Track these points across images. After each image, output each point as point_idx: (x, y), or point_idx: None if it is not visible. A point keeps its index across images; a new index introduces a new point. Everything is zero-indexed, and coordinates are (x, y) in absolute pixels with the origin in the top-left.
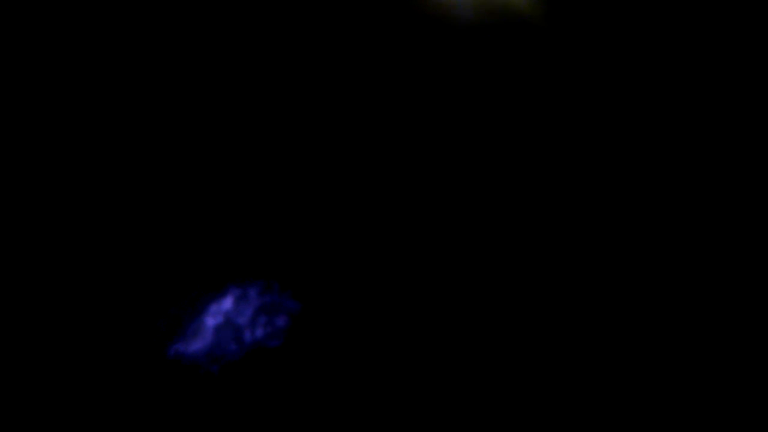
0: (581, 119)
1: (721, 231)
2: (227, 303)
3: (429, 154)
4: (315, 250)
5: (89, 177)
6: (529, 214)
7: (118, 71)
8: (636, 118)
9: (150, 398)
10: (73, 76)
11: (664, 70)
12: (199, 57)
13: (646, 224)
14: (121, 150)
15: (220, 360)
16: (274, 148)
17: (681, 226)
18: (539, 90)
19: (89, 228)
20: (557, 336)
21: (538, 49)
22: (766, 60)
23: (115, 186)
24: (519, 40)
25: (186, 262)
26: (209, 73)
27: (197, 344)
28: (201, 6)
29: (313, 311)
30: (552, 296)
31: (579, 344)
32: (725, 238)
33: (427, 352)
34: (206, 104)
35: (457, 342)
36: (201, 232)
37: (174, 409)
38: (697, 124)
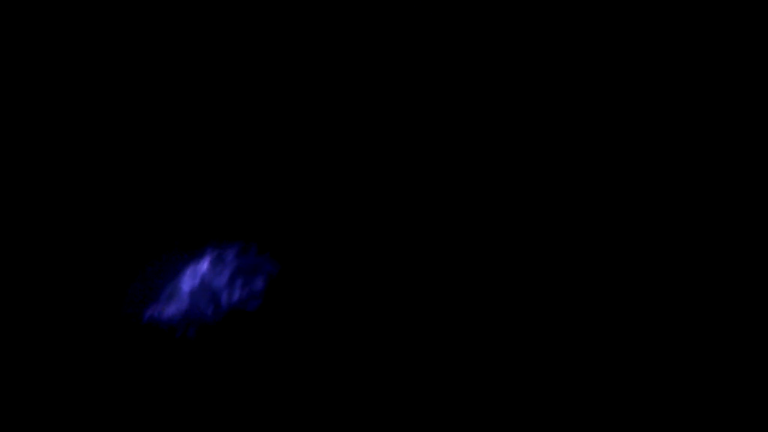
0: (573, 119)
1: (722, 231)
2: (203, 266)
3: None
4: (294, 211)
5: (61, 142)
6: (519, 214)
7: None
8: (630, 118)
9: (125, 363)
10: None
11: (662, 69)
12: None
13: (638, 227)
14: (98, 120)
15: (197, 323)
16: (247, 114)
17: (678, 227)
18: (529, 89)
19: (60, 191)
20: (557, 336)
21: (530, 45)
22: (765, 60)
23: (87, 150)
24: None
25: (159, 225)
26: (186, 54)
27: (173, 308)
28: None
29: (291, 273)
30: (552, 296)
31: (579, 344)
32: (725, 238)
33: (410, 320)
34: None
35: (442, 313)
36: (175, 194)
37: (151, 374)
38: (690, 123)
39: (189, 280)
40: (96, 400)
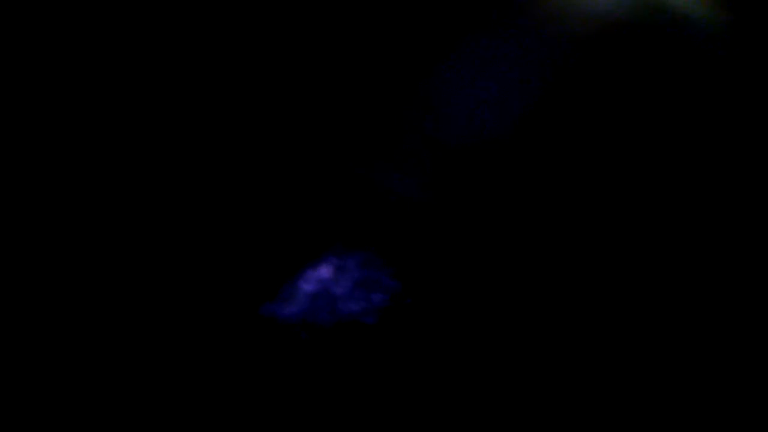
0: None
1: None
2: (325, 271)
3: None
4: (425, 232)
5: (191, 130)
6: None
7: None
8: None
9: (236, 354)
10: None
11: None
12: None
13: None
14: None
15: (312, 327)
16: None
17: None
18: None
19: (190, 178)
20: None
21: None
22: None
23: (216, 139)
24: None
25: (288, 226)
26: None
27: (291, 308)
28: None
29: (414, 294)
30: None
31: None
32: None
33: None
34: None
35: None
36: (307, 198)
37: (258, 368)
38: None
39: (310, 283)
40: (205, 384)
